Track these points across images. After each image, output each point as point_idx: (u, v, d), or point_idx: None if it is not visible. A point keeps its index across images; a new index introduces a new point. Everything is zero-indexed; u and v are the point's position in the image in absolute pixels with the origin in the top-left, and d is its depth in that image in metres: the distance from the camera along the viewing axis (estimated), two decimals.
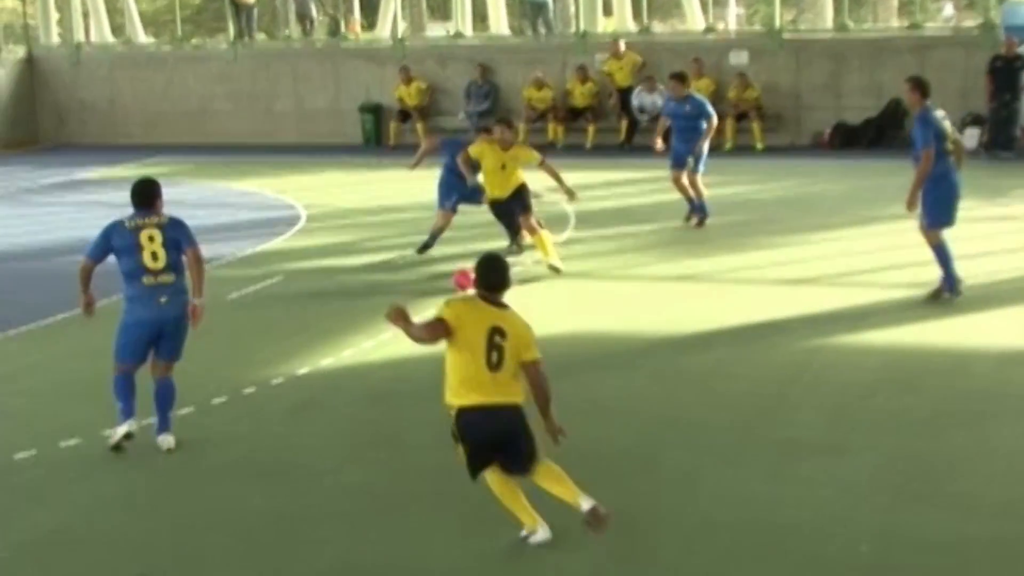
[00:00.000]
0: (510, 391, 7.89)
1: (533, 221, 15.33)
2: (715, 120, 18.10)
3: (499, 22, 30.57)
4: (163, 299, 9.94)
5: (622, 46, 26.86)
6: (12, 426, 10.92)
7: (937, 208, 13.21)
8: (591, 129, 26.52)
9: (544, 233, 15.34)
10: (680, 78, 18.40)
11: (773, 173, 22.94)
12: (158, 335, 10.05)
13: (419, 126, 27.80)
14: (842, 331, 12.80)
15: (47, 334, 13.68)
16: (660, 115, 19.35)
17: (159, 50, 31.95)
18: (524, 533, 8.17)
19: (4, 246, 18.60)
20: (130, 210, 10.12)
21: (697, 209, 18.06)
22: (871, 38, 26.71)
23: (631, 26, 29.21)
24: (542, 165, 15.51)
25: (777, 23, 27.14)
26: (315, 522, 8.69)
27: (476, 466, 8.00)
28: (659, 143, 18.40)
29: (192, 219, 10.37)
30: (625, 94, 26.44)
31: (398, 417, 10.81)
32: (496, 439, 7.92)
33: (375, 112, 28.25)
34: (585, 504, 7.88)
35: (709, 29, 28.42)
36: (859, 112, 25.48)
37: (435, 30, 32.45)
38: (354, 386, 11.63)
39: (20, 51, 31.18)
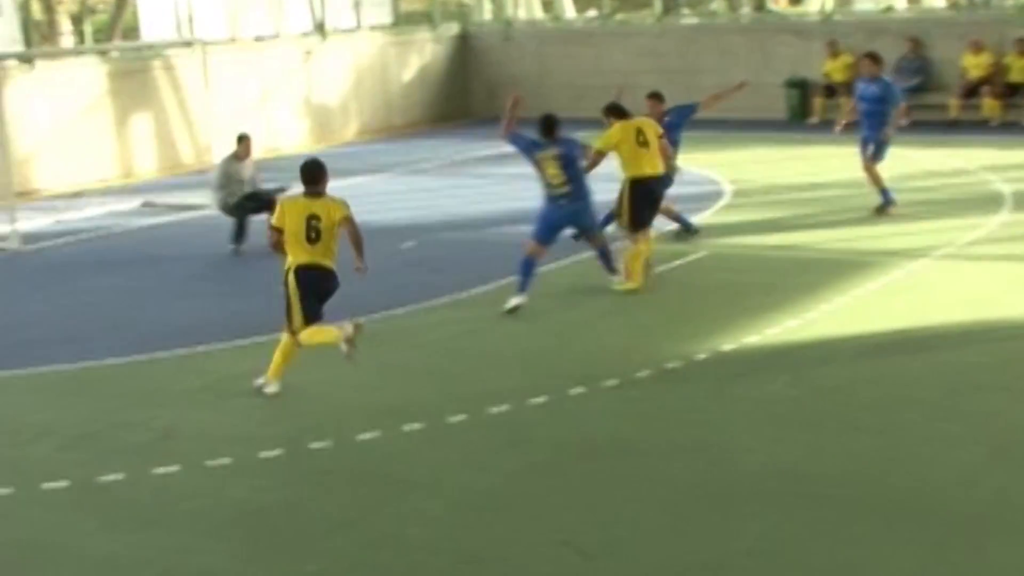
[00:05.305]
0: (325, 258, 10.96)
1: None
2: (903, 106, 17.43)
3: None
4: (561, 202, 13.31)
5: None
6: (444, 390, 11.29)
7: None
8: None
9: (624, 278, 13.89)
10: (873, 58, 17.74)
11: None
12: (561, 226, 13.56)
13: (844, 101, 27.22)
14: None
15: (481, 302, 14.06)
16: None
17: (587, 26, 32.44)
18: (261, 381, 11.06)
19: (438, 216, 19.29)
20: None
21: (884, 197, 17.17)
22: None
23: None
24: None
25: None
26: (740, 500, 8.62)
27: (309, 314, 10.88)
28: (839, 124, 18.13)
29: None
30: None
31: (824, 400, 10.60)
32: (318, 288, 10.97)
33: (801, 87, 27.78)
34: (347, 328, 10.58)
35: None
36: None
37: (864, 3, 31.59)
38: (779, 365, 11.46)
39: (454, 28, 32.28)
